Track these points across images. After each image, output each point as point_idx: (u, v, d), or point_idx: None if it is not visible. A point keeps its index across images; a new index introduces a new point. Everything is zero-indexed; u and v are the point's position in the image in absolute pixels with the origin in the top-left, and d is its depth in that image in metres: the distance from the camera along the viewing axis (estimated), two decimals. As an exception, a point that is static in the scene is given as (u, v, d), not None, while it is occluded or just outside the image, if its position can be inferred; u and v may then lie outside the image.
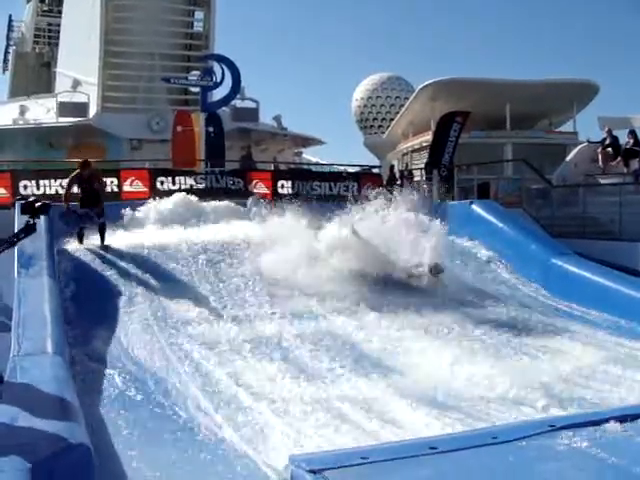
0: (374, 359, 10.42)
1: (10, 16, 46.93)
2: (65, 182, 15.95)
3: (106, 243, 14.74)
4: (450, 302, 13.64)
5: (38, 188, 18.82)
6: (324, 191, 20.97)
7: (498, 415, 8.10)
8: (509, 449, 4.58)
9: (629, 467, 4.40)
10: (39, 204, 7.24)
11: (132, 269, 13.70)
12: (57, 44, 37.72)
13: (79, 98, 29.20)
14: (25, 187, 18.83)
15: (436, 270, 14.50)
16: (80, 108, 28.95)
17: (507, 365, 9.99)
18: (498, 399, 8.64)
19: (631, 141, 21.33)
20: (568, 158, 24.00)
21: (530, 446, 4.59)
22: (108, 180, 19.33)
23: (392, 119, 42.14)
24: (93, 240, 14.67)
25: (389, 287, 14.13)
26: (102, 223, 14.78)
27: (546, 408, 8.29)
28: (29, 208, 7.22)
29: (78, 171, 14.96)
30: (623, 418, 5.16)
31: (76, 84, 30.07)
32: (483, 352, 10.69)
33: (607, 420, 5.12)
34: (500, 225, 17.18)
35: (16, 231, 7.30)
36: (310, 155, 39.13)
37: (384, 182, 23.33)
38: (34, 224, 7.18)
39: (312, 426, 7.75)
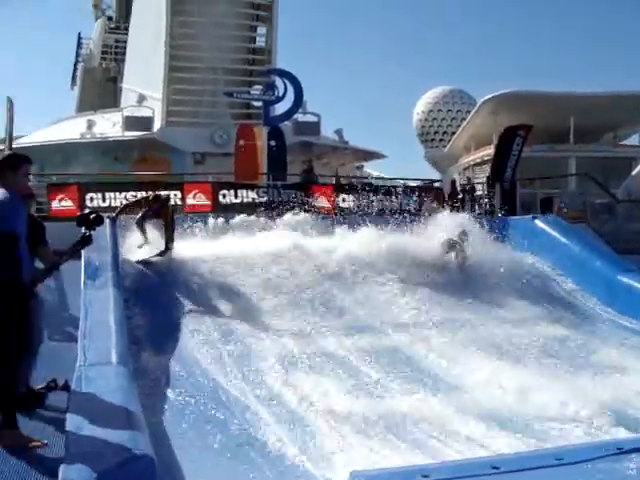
0: (433, 375, 10.34)
1: (79, 34, 48.13)
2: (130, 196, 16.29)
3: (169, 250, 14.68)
4: (510, 318, 13.50)
5: (104, 200, 19.16)
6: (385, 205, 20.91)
7: (562, 435, 7.96)
8: (574, 471, 4.48)
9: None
10: (93, 216, 7.38)
11: (195, 280, 13.82)
12: (123, 60, 38.54)
13: (144, 112, 29.71)
14: (91, 199, 19.18)
15: (463, 235, 16.10)
16: (145, 122, 29.45)
17: (570, 383, 9.79)
18: (561, 418, 8.48)
19: (700, 155, 20.87)
20: (634, 172, 23.61)
21: (597, 469, 4.48)
22: (172, 193, 19.61)
23: (453, 133, 42.05)
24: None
25: (447, 302, 14.07)
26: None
27: (613, 429, 8.10)
28: (84, 220, 7.37)
29: (146, 201, 14.96)
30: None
31: (141, 99, 30.62)
32: (545, 369, 10.49)
33: (679, 444, 4.98)
34: (564, 240, 16.87)
35: (73, 243, 7.44)
36: (371, 169, 39.16)
37: (445, 196, 23.25)
38: (90, 236, 7.32)
39: (373, 442, 7.72)
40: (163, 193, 15.71)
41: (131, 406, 6.19)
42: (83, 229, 7.35)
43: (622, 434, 7.81)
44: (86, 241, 7.37)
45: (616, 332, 13.20)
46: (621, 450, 4.77)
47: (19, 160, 6.31)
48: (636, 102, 29.69)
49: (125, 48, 38.33)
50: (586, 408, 8.69)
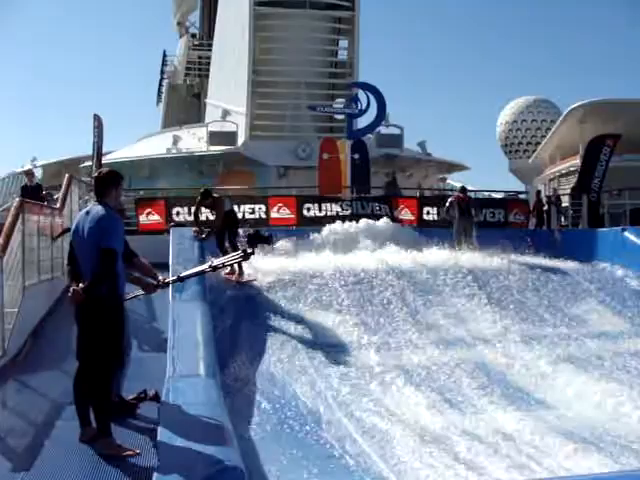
0: (523, 391, 10.19)
1: (164, 51, 49.15)
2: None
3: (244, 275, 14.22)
4: (599, 333, 13.22)
5: (190, 214, 19.40)
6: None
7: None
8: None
9: None
10: (267, 234, 7.65)
11: (279, 294, 13.89)
12: (207, 76, 39.11)
13: (228, 127, 30.09)
14: (178, 214, 19.47)
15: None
16: (229, 137, 29.81)
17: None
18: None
19: None
20: None
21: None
22: (256, 207, 19.82)
23: (538, 143, 41.38)
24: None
25: (535, 317, 13.86)
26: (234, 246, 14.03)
27: None
28: (256, 238, 7.62)
29: (199, 200, 14.96)
30: None
31: (225, 114, 31.03)
32: (638, 387, 10.19)
33: None
34: (656, 254, 16.34)
35: (233, 254, 7.66)
36: (455, 181, 38.85)
37: (530, 208, 22.92)
38: (252, 252, 7.54)
39: (459, 458, 7.63)
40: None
41: (220, 418, 6.25)
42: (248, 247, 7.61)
43: None
44: (247, 257, 7.64)
45: None
46: None
47: (120, 177, 6.47)
48: None
49: (209, 64, 38.93)
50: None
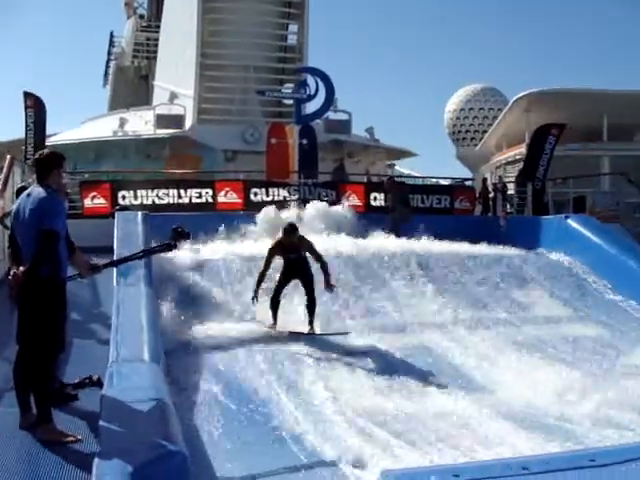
0: (464, 374, 10.33)
1: (111, 32, 48.50)
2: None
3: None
4: (543, 318, 13.44)
5: (136, 198, 19.23)
6: (416, 204, 20.83)
7: (593, 437, 7.89)
8: (608, 473, 4.42)
9: None
10: (187, 231, 7.74)
11: (225, 279, 13.85)
12: (155, 58, 38.72)
13: (176, 110, 29.88)
14: (123, 197, 19.26)
15: None
16: (177, 120, 29.62)
17: (604, 386, 9.68)
18: (593, 420, 8.42)
19: None
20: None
21: (631, 471, 4.43)
22: (203, 191, 19.70)
23: (485, 131, 41.89)
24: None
25: (479, 301, 14.04)
26: (312, 298, 11.93)
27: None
28: (178, 234, 7.70)
29: (280, 239, 12.07)
30: None
31: (173, 97, 30.80)
32: (578, 371, 10.41)
33: None
34: (597, 240, 16.62)
35: (153, 245, 7.69)
36: (403, 167, 39.12)
37: (476, 195, 23.16)
38: (175, 245, 7.63)
39: (402, 441, 7.70)
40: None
41: (163, 402, 6.22)
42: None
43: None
44: (169, 248, 7.72)
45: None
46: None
47: (61, 158, 6.38)
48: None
49: (157, 46, 38.55)
50: (618, 410, 8.65)
